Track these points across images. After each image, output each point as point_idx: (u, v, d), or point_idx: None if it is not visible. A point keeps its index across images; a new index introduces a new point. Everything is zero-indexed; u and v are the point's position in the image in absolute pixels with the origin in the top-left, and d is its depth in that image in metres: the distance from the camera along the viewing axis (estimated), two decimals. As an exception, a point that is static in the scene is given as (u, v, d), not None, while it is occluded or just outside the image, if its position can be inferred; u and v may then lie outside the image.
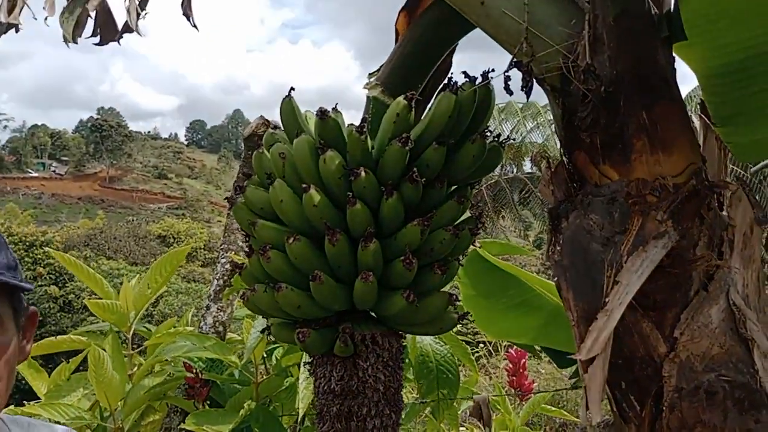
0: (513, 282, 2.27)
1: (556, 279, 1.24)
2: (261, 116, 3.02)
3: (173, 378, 2.49)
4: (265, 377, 2.55)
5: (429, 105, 1.41)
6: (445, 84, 1.64)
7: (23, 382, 2.89)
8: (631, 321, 1.18)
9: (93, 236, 35.15)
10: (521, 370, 3.76)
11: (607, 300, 1.13)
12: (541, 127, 15.64)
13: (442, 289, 1.51)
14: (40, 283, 24.98)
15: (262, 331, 1.58)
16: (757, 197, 1.22)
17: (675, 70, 1.25)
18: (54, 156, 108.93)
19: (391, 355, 1.50)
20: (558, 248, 1.23)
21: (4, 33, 2.73)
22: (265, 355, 2.65)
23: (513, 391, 3.80)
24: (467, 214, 1.55)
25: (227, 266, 2.86)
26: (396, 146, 1.32)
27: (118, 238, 35.33)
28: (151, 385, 2.54)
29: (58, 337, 2.78)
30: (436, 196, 1.42)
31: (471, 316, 1.53)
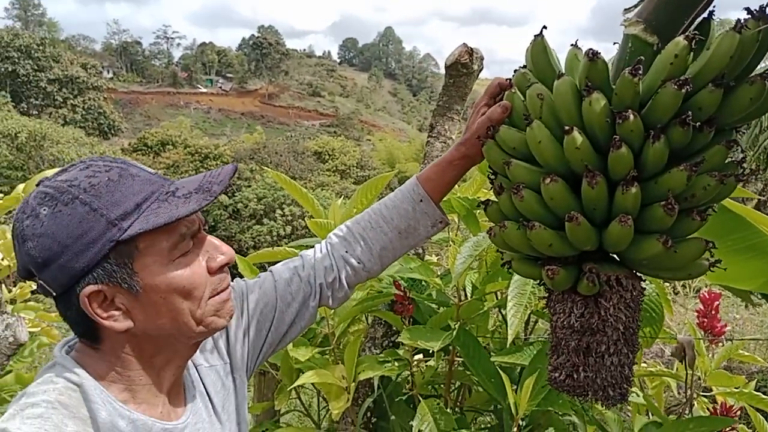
0: (740, 224, 2.14)
1: None
2: (463, 44, 3.01)
3: (382, 294, 2.68)
4: (465, 301, 2.67)
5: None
6: (704, 18, 1.53)
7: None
8: None
9: (257, 150, 37.73)
10: (713, 313, 3.59)
11: None
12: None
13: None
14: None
15: (502, 265, 1.64)
16: None
17: None
18: (220, 73, 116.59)
19: (633, 297, 1.50)
20: None
21: None
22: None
23: (703, 333, 3.66)
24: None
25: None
26: (671, 89, 1.27)
27: (279, 152, 37.61)
28: (360, 299, 2.77)
29: (275, 248, 3.08)
30: (702, 141, 1.36)
31: (721, 263, 1.48)
